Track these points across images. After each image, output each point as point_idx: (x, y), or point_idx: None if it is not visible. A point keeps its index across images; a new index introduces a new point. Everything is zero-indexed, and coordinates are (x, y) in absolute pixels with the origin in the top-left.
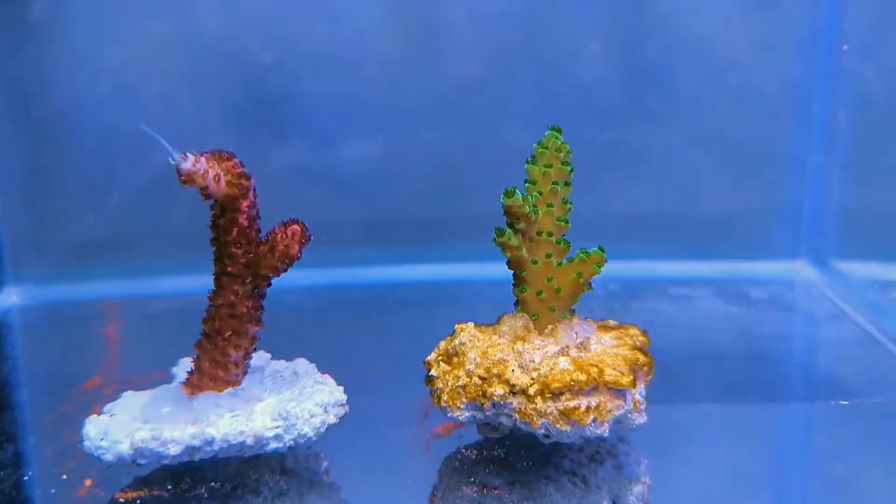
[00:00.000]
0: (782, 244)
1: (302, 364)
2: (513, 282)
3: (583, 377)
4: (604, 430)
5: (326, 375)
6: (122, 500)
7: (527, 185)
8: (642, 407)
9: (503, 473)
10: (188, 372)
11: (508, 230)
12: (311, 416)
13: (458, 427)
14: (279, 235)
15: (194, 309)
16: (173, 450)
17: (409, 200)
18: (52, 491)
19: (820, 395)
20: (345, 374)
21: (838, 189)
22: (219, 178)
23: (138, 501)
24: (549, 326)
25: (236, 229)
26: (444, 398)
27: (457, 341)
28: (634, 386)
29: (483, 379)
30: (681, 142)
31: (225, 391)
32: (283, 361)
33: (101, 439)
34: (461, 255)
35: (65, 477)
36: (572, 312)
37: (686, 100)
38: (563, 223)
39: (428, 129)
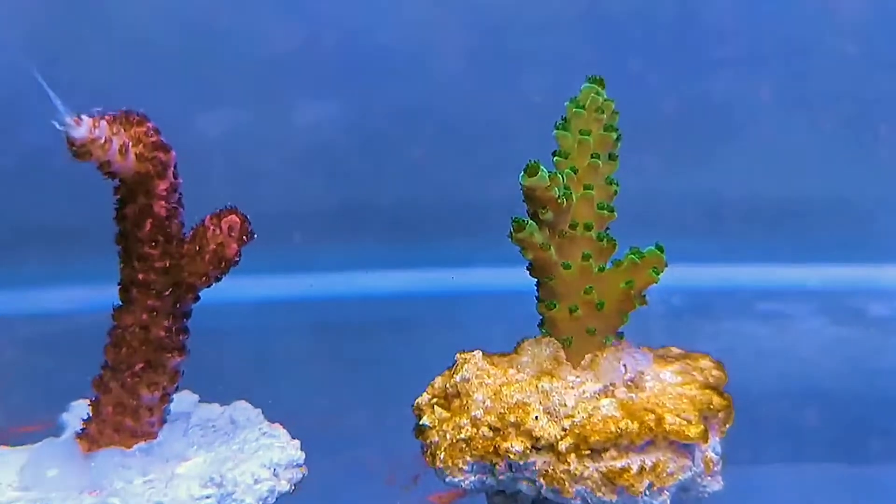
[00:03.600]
0: None
1: (242, 409)
2: (537, 294)
3: (634, 427)
4: (663, 501)
5: (276, 425)
6: None
7: (556, 158)
8: (717, 468)
9: None
10: (84, 420)
11: (530, 222)
12: (256, 482)
13: (461, 496)
14: (210, 230)
15: (93, 332)
16: None
17: (390, 181)
18: None
19: None
20: (302, 423)
21: None
22: (125, 150)
23: None
24: (588, 356)
25: (150, 221)
26: (441, 457)
27: (458, 377)
28: (706, 439)
29: (495, 430)
30: (779, 102)
31: (135, 446)
32: (216, 405)
33: None
34: (464, 257)
35: None
36: (620, 337)
37: (790, 48)
38: (606, 212)
39: (417, 81)
